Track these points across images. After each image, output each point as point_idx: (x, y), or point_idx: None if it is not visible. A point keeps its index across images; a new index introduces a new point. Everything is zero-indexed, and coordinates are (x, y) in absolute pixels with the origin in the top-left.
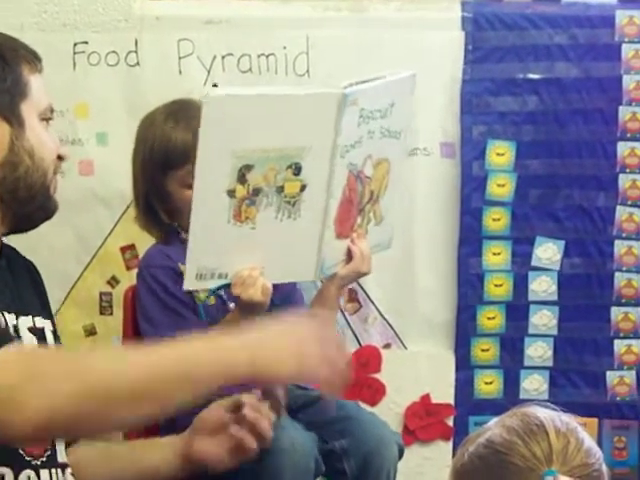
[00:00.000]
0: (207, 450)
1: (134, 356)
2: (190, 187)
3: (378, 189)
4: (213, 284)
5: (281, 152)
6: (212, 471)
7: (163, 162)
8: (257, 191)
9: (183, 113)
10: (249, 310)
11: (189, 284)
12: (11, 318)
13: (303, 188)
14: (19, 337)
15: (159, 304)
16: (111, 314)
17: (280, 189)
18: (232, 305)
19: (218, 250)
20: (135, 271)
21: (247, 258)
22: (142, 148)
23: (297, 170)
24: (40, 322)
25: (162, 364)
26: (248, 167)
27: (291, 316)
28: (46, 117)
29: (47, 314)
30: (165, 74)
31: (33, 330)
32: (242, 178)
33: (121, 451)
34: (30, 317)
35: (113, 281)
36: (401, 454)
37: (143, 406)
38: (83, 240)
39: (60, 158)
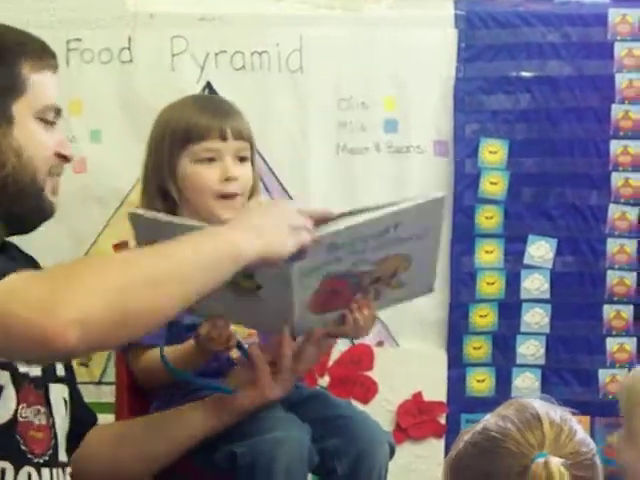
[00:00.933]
0: None
1: (153, 250)
2: (200, 162)
3: (389, 271)
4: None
5: None
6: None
7: (182, 138)
8: None
9: (210, 102)
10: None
11: None
12: None
13: (259, 287)
14: None
15: None
16: None
17: (235, 284)
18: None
19: None
20: None
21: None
22: (164, 127)
23: (249, 275)
24: None
25: (181, 252)
26: None
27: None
28: (44, 117)
29: None
30: (158, 71)
31: None
32: None
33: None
34: None
35: None
36: (392, 453)
37: (184, 288)
38: (76, 237)
39: (63, 158)
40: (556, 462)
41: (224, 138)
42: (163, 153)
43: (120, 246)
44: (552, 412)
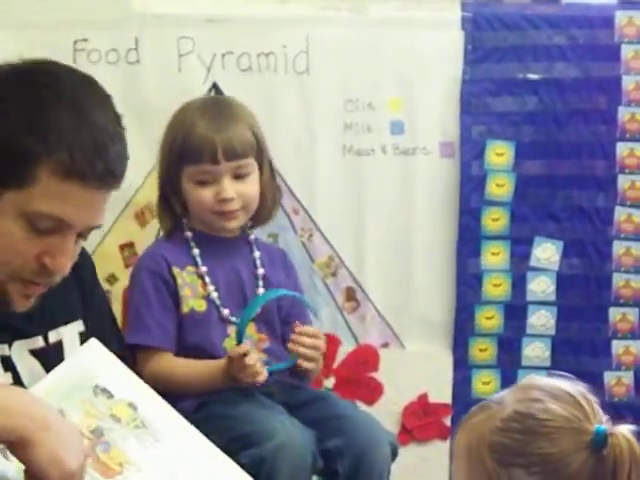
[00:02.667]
0: None
1: None
2: (196, 183)
3: None
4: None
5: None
6: None
7: (180, 155)
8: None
9: (216, 111)
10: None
11: None
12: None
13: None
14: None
15: (133, 307)
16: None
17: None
18: (226, 311)
19: None
20: None
21: None
22: (169, 136)
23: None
24: (64, 331)
25: None
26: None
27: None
28: (34, 222)
29: (81, 310)
30: (165, 72)
31: (40, 351)
32: None
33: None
34: (40, 337)
35: (112, 278)
36: (394, 454)
37: None
38: None
39: (45, 267)
40: (622, 430)
41: (216, 162)
42: (165, 169)
43: (125, 247)
44: (572, 385)
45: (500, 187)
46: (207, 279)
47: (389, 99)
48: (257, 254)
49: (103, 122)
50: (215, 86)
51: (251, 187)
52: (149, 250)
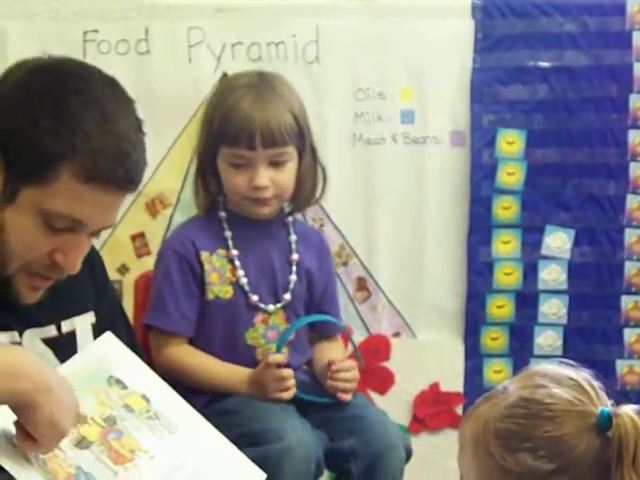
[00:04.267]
0: None
1: None
2: (231, 165)
3: None
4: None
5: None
6: None
7: (218, 134)
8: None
9: (259, 92)
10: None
11: None
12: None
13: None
14: None
15: (155, 288)
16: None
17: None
18: (255, 298)
19: None
20: (145, 259)
21: None
22: (209, 112)
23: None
24: (77, 321)
25: None
26: None
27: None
28: (50, 220)
29: (93, 301)
30: (175, 62)
31: (53, 340)
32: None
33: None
34: (53, 326)
35: (123, 269)
36: (409, 457)
37: None
38: None
39: (55, 264)
40: (627, 410)
41: (253, 147)
42: (203, 146)
43: (137, 237)
44: (575, 371)
45: (511, 175)
46: (237, 263)
47: (399, 88)
48: (293, 238)
49: (127, 129)
50: (225, 76)
51: (286, 176)
52: (179, 230)
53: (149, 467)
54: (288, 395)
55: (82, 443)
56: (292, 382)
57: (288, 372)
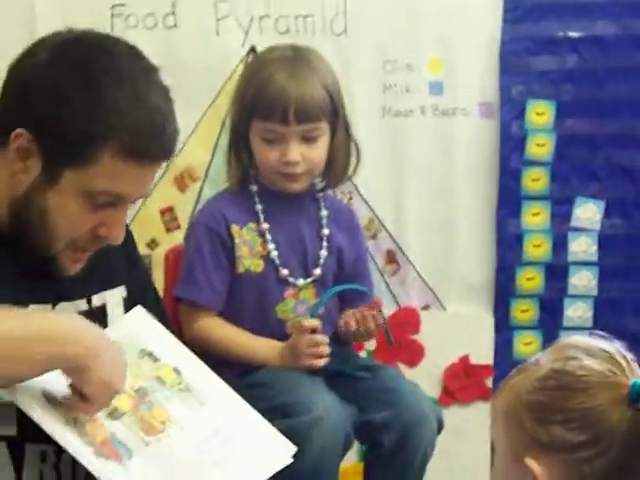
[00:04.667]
0: None
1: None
2: (264, 140)
3: None
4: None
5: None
6: None
7: (251, 108)
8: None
9: (293, 67)
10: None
11: None
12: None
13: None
14: None
15: (187, 261)
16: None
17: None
18: (285, 271)
19: None
20: (174, 233)
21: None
22: (243, 86)
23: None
24: (108, 295)
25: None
26: None
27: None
28: (93, 199)
29: (125, 275)
30: (202, 36)
31: (83, 314)
32: None
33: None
34: (84, 300)
35: (152, 243)
36: (440, 429)
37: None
38: None
39: (100, 238)
40: None
41: (286, 122)
42: (236, 119)
43: (166, 211)
44: (607, 343)
45: (540, 147)
46: (268, 237)
47: (428, 59)
48: (324, 213)
49: (157, 101)
50: (253, 49)
51: (318, 152)
52: (210, 204)
53: (180, 438)
54: (322, 363)
55: (114, 414)
56: (326, 349)
57: (323, 338)
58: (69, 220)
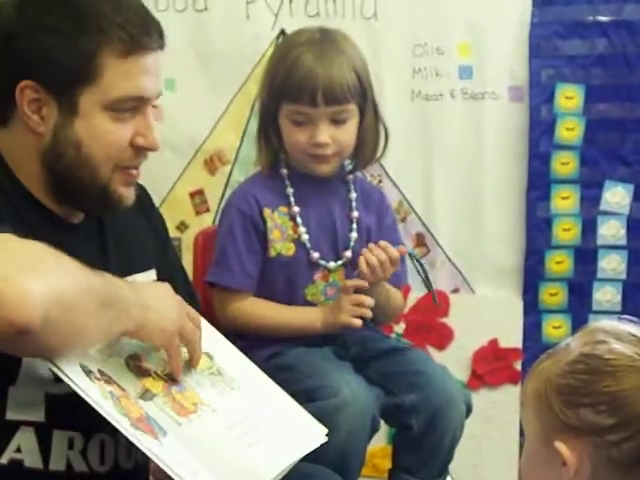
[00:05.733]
0: None
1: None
2: (293, 122)
3: None
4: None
5: None
6: None
7: (280, 90)
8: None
9: (322, 49)
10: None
11: None
12: None
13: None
14: None
15: (219, 245)
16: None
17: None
18: (316, 255)
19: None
20: (204, 216)
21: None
22: (271, 69)
23: None
24: (139, 278)
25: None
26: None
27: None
28: (116, 107)
29: (155, 258)
30: (233, 19)
31: None
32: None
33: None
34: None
35: (182, 226)
36: (469, 412)
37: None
38: (152, 185)
39: (140, 149)
40: None
41: (315, 104)
42: (265, 103)
43: (196, 194)
44: (636, 327)
45: (570, 131)
46: (299, 220)
47: (457, 43)
48: (354, 195)
49: None
50: (283, 32)
51: (347, 133)
52: (242, 187)
53: (212, 420)
54: (359, 323)
55: (146, 395)
56: (368, 312)
57: (367, 298)
58: (103, 139)
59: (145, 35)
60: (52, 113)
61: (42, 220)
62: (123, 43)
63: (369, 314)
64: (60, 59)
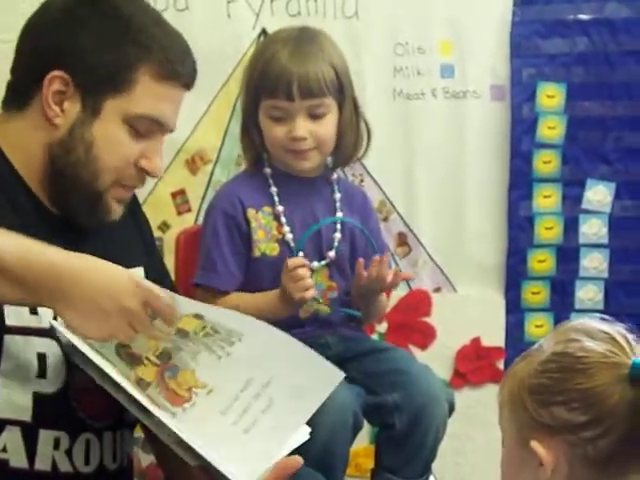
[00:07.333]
0: None
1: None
2: (271, 118)
3: None
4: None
5: None
6: None
7: (257, 87)
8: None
9: (298, 45)
10: (290, 306)
11: None
12: None
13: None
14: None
15: (204, 247)
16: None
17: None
18: (300, 254)
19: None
20: (186, 216)
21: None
22: (250, 67)
23: None
24: None
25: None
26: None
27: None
28: (135, 125)
29: (143, 257)
30: (213, 19)
31: None
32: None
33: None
34: None
35: (164, 226)
36: (451, 411)
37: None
38: None
39: (142, 171)
40: None
41: (291, 98)
42: (246, 101)
43: (177, 194)
44: (608, 325)
45: (551, 129)
46: (283, 220)
47: (439, 42)
48: (338, 196)
49: (174, 29)
50: (264, 32)
51: (325, 128)
52: (226, 188)
53: (208, 404)
54: (310, 294)
55: (140, 384)
56: (309, 281)
57: (303, 270)
58: (114, 149)
59: (182, 67)
60: (74, 109)
61: (32, 210)
62: (162, 66)
63: (310, 284)
64: (99, 61)
